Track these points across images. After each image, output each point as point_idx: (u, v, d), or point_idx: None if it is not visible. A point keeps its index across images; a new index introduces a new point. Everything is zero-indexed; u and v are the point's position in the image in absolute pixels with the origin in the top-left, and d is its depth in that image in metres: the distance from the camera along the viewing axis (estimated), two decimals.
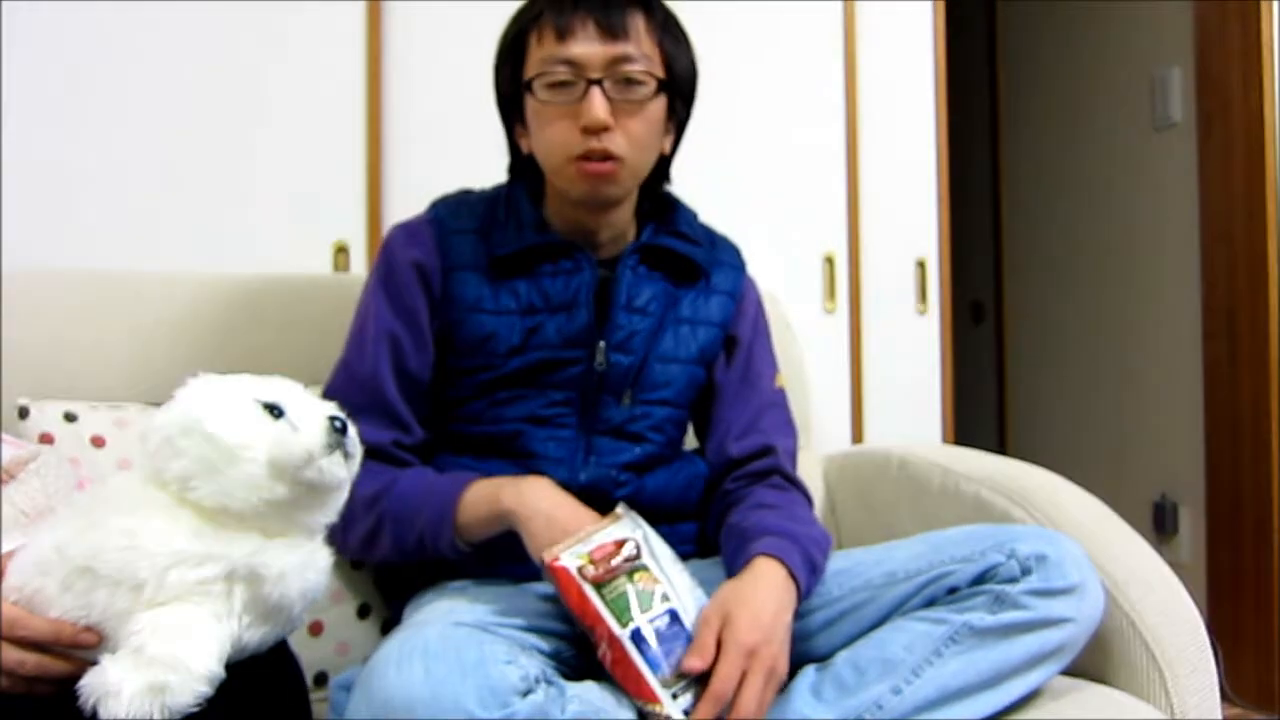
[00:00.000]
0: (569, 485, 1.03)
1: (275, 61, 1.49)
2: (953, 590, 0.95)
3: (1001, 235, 3.19)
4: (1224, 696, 1.47)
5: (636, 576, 0.89)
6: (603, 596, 0.87)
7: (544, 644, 0.92)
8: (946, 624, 0.92)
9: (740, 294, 1.21)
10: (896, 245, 1.90)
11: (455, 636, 0.80)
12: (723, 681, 0.84)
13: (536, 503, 0.97)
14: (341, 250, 1.51)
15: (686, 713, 0.84)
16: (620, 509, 0.97)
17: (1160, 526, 2.51)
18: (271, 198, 1.48)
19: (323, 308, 1.32)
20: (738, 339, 1.20)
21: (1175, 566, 1.10)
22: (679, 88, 1.10)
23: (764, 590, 0.92)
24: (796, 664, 0.97)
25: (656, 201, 1.19)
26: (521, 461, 1.07)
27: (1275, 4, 2.19)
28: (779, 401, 1.21)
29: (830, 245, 1.85)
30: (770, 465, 1.15)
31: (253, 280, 1.36)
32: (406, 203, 1.53)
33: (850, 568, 1.03)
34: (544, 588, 0.97)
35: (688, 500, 1.15)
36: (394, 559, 1.07)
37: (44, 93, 1.37)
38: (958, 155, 2.04)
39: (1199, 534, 2.39)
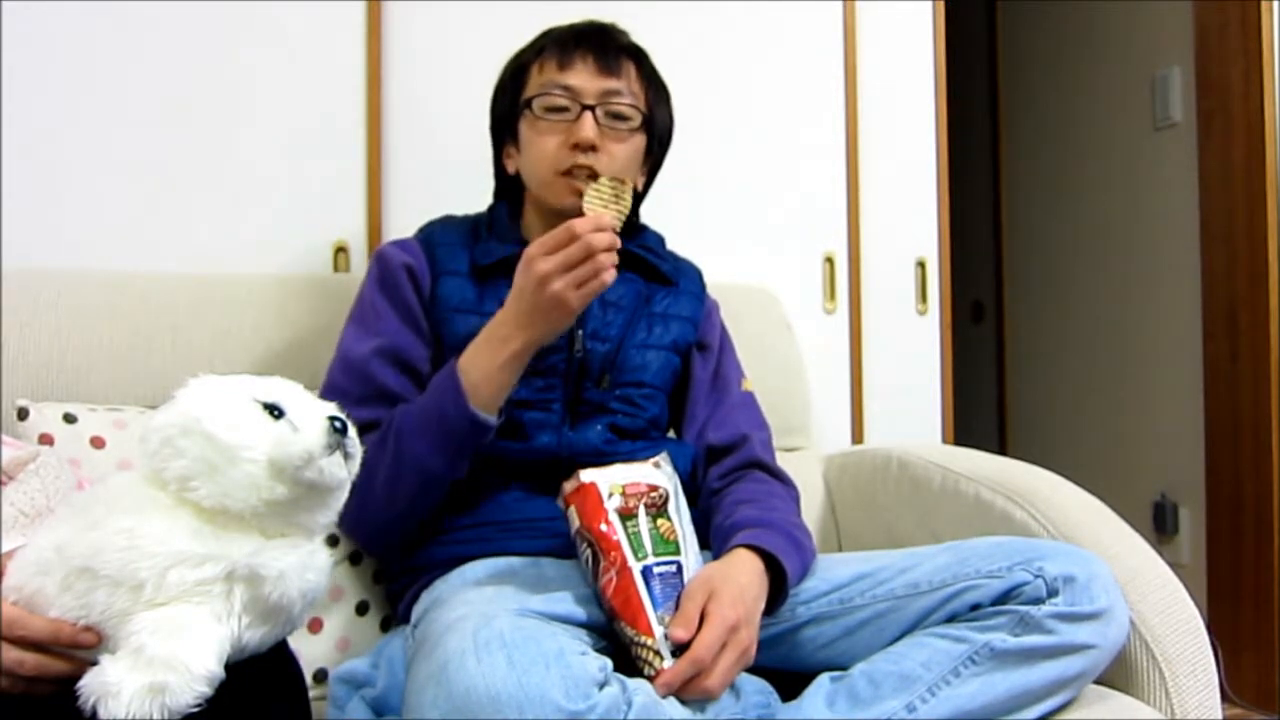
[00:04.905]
0: (557, 448, 1.11)
1: (275, 61, 1.48)
2: (976, 606, 0.94)
3: (1001, 235, 3.19)
4: (1224, 696, 1.47)
5: (659, 522, 0.95)
6: (625, 528, 0.93)
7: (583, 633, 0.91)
8: (967, 643, 0.91)
9: (708, 308, 1.30)
10: (896, 245, 1.90)
11: (528, 626, 0.80)
12: (705, 649, 0.87)
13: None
14: (341, 250, 1.51)
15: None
16: (661, 459, 1.03)
17: (1160, 526, 2.51)
18: (271, 198, 1.48)
19: (323, 308, 1.32)
20: (708, 344, 1.28)
21: (1175, 566, 1.10)
22: (657, 133, 1.22)
23: (744, 575, 0.96)
24: (813, 670, 0.97)
25: (627, 227, 1.26)
26: (509, 428, 1.11)
27: (1275, 4, 2.19)
28: (750, 402, 1.28)
29: (830, 245, 1.85)
30: (748, 457, 1.20)
31: (253, 280, 1.37)
32: (406, 203, 1.53)
33: (873, 572, 1.02)
34: (551, 563, 1.02)
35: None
36: (426, 480, 1.04)
37: (43, 92, 1.37)
38: (958, 155, 2.04)
39: (1199, 534, 2.39)
